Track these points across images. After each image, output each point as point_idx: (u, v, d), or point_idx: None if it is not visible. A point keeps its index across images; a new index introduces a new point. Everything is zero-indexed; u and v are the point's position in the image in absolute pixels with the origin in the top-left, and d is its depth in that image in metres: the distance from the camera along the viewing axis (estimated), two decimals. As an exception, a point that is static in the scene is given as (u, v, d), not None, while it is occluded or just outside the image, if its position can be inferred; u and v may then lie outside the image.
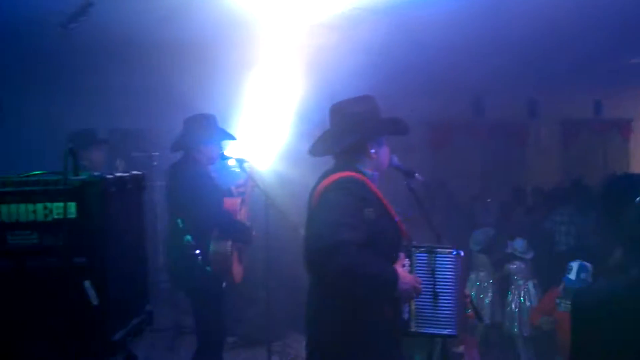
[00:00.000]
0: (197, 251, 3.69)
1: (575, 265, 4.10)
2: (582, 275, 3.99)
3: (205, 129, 3.92)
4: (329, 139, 2.48)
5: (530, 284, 5.48)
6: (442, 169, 9.13)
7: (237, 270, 4.06)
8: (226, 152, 4.11)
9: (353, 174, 2.32)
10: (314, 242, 2.12)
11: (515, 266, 5.53)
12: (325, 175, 2.37)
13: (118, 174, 2.02)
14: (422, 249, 2.46)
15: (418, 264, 2.44)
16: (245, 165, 4.01)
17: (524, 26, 4.99)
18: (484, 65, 7.35)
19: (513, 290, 5.54)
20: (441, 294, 2.38)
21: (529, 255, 5.49)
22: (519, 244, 5.48)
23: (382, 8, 3.99)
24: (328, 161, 2.51)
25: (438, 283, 2.41)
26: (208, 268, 3.75)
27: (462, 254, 2.50)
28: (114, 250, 1.89)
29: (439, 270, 2.43)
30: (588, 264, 4.09)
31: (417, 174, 2.75)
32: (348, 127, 2.39)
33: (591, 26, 5.09)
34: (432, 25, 4.66)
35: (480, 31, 5.13)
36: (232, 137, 4.14)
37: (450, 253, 2.46)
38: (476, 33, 5.20)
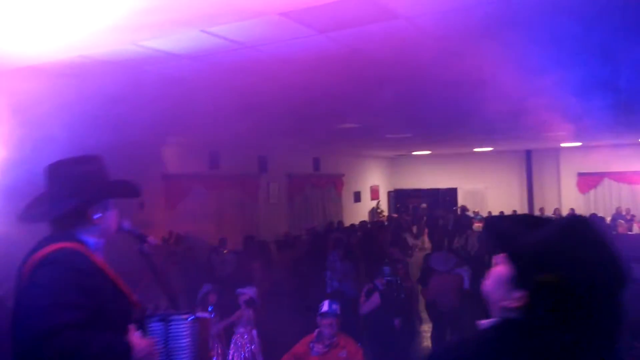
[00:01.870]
0: None
1: (326, 302, 4.43)
2: (334, 307, 4.31)
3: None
4: (45, 203, 2.18)
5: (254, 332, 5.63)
6: (180, 223, 9.02)
7: None
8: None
9: (70, 244, 2.03)
10: (24, 329, 1.79)
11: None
12: (38, 247, 2.04)
13: None
14: (155, 318, 2.34)
15: (152, 334, 2.30)
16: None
17: (262, 94, 5.41)
18: (220, 124, 7.70)
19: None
20: (177, 360, 2.30)
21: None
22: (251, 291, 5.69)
23: (113, 59, 3.80)
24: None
25: (173, 351, 2.32)
26: None
27: (201, 316, 2.45)
28: None
29: (175, 338, 2.34)
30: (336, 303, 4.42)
31: (149, 238, 2.60)
32: (67, 190, 2.14)
33: (317, 94, 5.83)
34: (165, 81, 4.66)
35: (216, 94, 5.35)
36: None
37: (186, 319, 2.39)
38: (214, 95, 5.41)
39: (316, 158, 14.32)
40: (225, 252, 8.29)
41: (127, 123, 5.71)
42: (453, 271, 6.72)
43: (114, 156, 2.53)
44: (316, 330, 4.29)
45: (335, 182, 15.20)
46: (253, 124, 7.98)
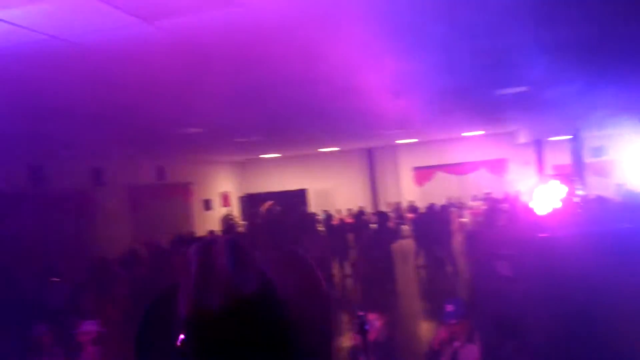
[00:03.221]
0: None
1: None
2: None
3: None
4: None
5: None
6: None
7: None
8: None
9: None
10: None
11: None
12: None
13: None
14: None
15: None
16: None
17: (78, 92, 4.67)
18: (42, 132, 6.67)
19: None
20: None
21: None
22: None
23: None
24: None
25: None
26: None
27: None
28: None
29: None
30: None
31: None
32: None
33: (152, 95, 5.23)
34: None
35: (26, 94, 4.53)
36: None
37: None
38: (24, 96, 4.56)
39: (160, 166, 13.40)
40: (56, 280, 7.21)
41: None
42: None
43: None
44: None
45: (183, 191, 14.40)
46: (81, 130, 7.08)
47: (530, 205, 5.61)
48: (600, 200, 9.34)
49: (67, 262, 8.86)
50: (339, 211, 17.49)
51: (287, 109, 6.96)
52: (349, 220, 14.51)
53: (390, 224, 13.40)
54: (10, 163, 8.40)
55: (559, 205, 5.43)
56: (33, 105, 5.10)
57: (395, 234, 12.47)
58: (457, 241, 11.80)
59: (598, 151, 16.05)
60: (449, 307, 3.65)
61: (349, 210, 15.99)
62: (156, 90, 5.01)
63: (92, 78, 4.22)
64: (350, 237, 12.35)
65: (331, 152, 17.28)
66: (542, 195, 5.53)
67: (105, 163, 10.94)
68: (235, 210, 18.33)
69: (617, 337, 3.75)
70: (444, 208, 12.88)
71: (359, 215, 13.82)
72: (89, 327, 4.77)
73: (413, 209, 14.43)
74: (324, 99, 6.24)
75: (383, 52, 4.24)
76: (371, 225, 12.03)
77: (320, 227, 13.89)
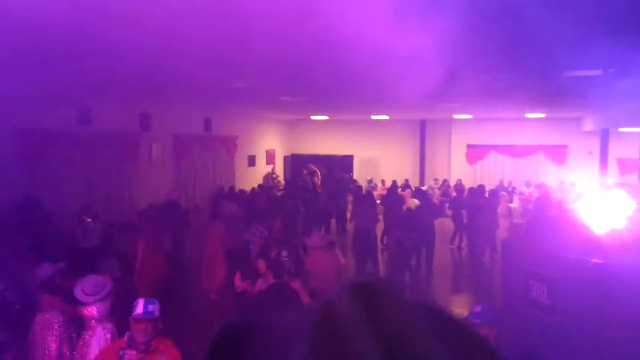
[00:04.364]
0: None
1: (140, 302, 3.62)
2: (150, 308, 3.58)
3: None
4: None
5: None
6: (39, 186, 7.83)
7: None
8: None
9: None
10: None
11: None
12: None
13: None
14: None
15: None
16: None
17: (145, 36, 4.51)
18: (92, 73, 6.61)
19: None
20: None
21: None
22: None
23: None
24: None
25: None
26: None
27: None
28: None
29: None
30: None
31: None
32: None
33: (201, 48, 5.03)
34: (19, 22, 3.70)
35: (83, 34, 4.39)
36: None
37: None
38: (78, 35, 4.43)
39: (207, 118, 13.38)
40: (89, 220, 7.30)
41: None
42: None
43: None
44: (127, 334, 3.42)
45: (228, 145, 14.38)
46: (131, 75, 6.97)
47: (584, 216, 4.38)
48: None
49: (105, 204, 9.02)
50: (383, 181, 17.14)
51: (337, 73, 6.60)
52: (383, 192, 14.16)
53: (435, 200, 12.95)
54: (60, 103, 8.49)
55: (621, 224, 4.21)
56: (85, 47, 5.01)
57: (438, 211, 12.00)
58: (503, 228, 11.26)
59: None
60: (476, 308, 3.34)
61: (394, 181, 15.60)
62: (209, 45, 4.81)
63: (146, 26, 4.04)
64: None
65: (382, 120, 16.79)
66: (601, 207, 4.37)
67: (154, 110, 10.96)
68: (279, 168, 18.28)
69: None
70: (493, 191, 12.27)
71: (393, 188, 13.30)
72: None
73: (460, 187, 13.86)
74: (378, 65, 5.85)
75: (445, 22, 3.81)
76: (413, 200, 11.62)
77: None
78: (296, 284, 5.04)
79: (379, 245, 10.39)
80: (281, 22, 3.88)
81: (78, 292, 4.27)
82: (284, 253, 5.53)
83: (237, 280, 5.59)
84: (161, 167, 11.43)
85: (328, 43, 4.62)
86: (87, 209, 7.69)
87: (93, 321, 4.27)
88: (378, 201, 11.95)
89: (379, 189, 16.05)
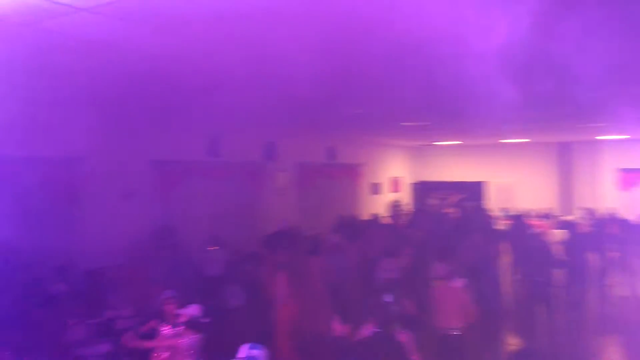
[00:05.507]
0: None
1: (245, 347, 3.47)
2: (254, 353, 3.38)
3: None
4: None
5: None
6: (171, 216, 8.25)
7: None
8: None
9: None
10: None
11: None
12: None
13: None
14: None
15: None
16: None
17: (256, 65, 4.52)
18: (219, 104, 6.85)
19: None
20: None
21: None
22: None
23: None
24: None
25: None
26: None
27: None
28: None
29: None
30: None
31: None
32: None
33: (315, 77, 4.92)
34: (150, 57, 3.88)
35: (211, 66, 4.51)
36: None
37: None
38: (207, 68, 4.56)
39: (330, 147, 13.38)
40: (214, 249, 7.46)
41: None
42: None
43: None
44: None
45: (352, 173, 14.22)
46: (256, 105, 7.08)
47: None
48: None
49: (231, 232, 9.25)
50: (520, 211, 15.73)
51: (460, 91, 6.07)
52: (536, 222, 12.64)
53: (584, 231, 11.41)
54: (189, 133, 8.97)
55: None
56: (214, 79, 5.14)
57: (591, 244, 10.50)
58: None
59: None
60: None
61: (533, 210, 14.17)
62: (328, 70, 4.66)
63: (263, 51, 3.98)
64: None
65: (516, 143, 15.51)
66: None
67: (279, 139, 11.18)
68: (405, 196, 17.71)
69: None
70: None
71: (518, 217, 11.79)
72: (192, 311, 4.69)
73: (614, 219, 11.93)
74: (507, 80, 5.24)
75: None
76: (560, 231, 10.33)
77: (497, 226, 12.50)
78: (404, 336, 4.33)
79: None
80: (401, 38, 3.55)
81: None
82: (388, 296, 4.60)
83: (336, 324, 5.00)
84: (285, 195, 11.56)
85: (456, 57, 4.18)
86: (214, 238, 7.91)
87: None
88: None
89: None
